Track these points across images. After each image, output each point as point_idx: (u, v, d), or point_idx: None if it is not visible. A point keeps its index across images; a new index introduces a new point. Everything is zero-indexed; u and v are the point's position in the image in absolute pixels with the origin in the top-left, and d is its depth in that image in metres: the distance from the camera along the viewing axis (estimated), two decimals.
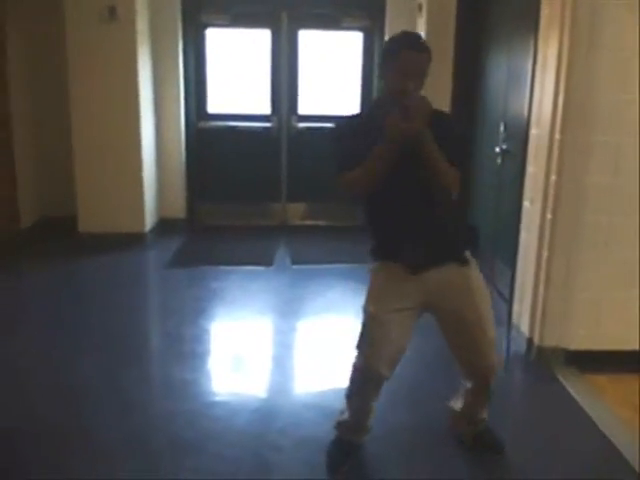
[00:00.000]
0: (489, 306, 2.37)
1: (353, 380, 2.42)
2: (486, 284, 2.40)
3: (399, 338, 2.28)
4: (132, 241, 5.31)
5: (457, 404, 2.62)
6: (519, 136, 3.72)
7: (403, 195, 2.17)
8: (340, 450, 2.51)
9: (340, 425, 2.54)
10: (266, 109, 6.01)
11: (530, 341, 3.47)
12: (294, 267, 5.09)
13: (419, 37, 2.22)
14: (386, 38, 5.75)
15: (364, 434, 2.55)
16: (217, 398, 3.13)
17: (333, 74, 6.03)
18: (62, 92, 5.19)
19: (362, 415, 2.48)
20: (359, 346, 2.34)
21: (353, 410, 2.47)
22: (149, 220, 5.53)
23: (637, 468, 2.55)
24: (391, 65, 2.11)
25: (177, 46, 5.65)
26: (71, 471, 2.48)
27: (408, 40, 2.14)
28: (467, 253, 2.32)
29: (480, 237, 2.37)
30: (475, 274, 2.34)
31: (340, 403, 2.92)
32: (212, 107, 6.03)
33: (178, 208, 5.94)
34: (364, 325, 2.33)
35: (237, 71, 5.98)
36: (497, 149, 4.32)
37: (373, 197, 2.23)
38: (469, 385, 2.51)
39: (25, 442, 2.65)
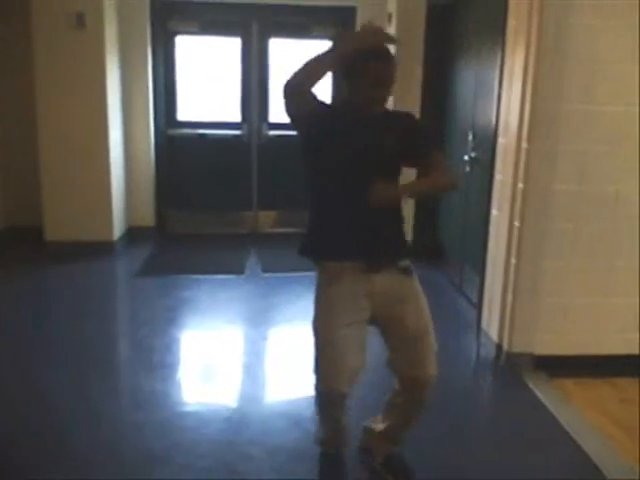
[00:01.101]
0: (430, 319, 2.32)
1: (319, 403, 2.38)
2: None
3: (356, 354, 2.23)
4: (100, 250, 5.24)
5: (378, 424, 2.54)
6: (487, 145, 3.78)
7: (359, 192, 2.12)
8: (328, 463, 2.45)
9: (320, 441, 2.49)
10: (236, 117, 6.00)
11: (499, 347, 3.51)
12: (265, 275, 5.08)
13: (387, 49, 2.19)
14: None
15: (347, 444, 2.49)
16: (187, 408, 3.10)
17: None
18: (28, 100, 5.11)
19: (338, 430, 2.44)
20: (316, 370, 2.28)
21: (329, 428, 2.44)
22: (117, 228, 5.46)
23: (605, 471, 2.59)
24: (360, 76, 2.12)
25: (146, 53, 5.62)
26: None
27: (378, 52, 2.13)
28: (409, 264, 2.30)
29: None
30: (418, 286, 2.33)
31: (310, 411, 2.93)
32: (182, 114, 6.00)
33: (147, 216, 5.88)
34: (317, 347, 2.27)
35: (207, 79, 5.96)
36: (466, 157, 4.38)
37: (327, 189, 2.21)
38: (400, 400, 2.43)
39: None
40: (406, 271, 2.28)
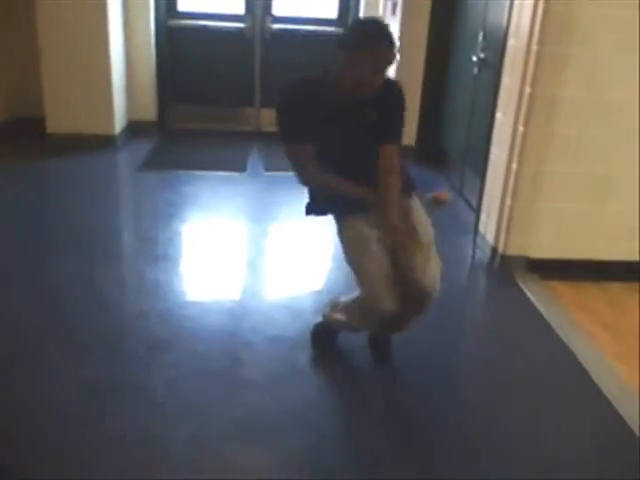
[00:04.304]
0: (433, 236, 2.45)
1: (359, 315, 2.51)
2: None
3: (385, 272, 2.34)
4: (102, 143, 5.20)
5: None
6: (497, 46, 3.68)
7: (350, 151, 2.26)
8: (325, 334, 2.71)
9: (330, 319, 2.64)
10: (240, 9, 5.80)
11: (494, 249, 3.59)
12: (267, 174, 5.08)
13: (389, 32, 2.17)
14: None
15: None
16: (190, 298, 3.21)
17: None
18: None
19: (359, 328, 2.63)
20: (361, 288, 2.41)
21: (352, 326, 2.59)
22: (119, 122, 5.40)
23: (587, 367, 2.73)
24: (359, 53, 2.11)
25: None
26: (45, 364, 2.56)
27: (381, 35, 2.13)
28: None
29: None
30: (420, 205, 2.45)
31: (311, 304, 3.04)
32: (183, 4, 5.79)
33: (149, 110, 5.80)
34: (357, 273, 2.39)
35: None
36: (474, 58, 4.28)
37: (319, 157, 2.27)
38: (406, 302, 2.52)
39: (2, 341, 2.72)
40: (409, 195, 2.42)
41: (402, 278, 2.41)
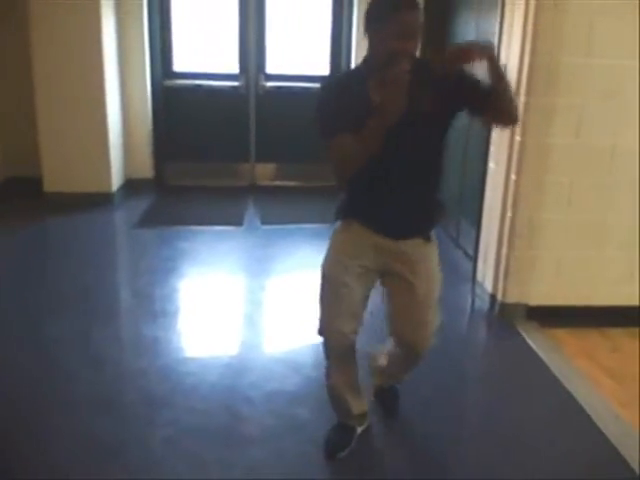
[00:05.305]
0: (438, 290, 2.28)
1: (325, 354, 2.31)
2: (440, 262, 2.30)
3: (357, 297, 2.19)
4: (99, 201, 5.25)
5: (381, 358, 2.57)
6: None
7: (396, 163, 2.05)
8: (337, 435, 2.44)
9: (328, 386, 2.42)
10: (234, 68, 5.94)
11: (493, 297, 3.58)
12: (264, 227, 5.11)
13: None
14: None
15: (358, 418, 2.45)
16: (188, 354, 3.18)
17: (302, 32, 5.96)
18: (25, 52, 5.05)
19: (343, 394, 2.37)
20: (320, 310, 2.24)
21: (333, 370, 2.34)
22: (116, 180, 5.47)
23: (593, 415, 2.69)
24: (381, 26, 1.92)
25: (141, 2, 5.51)
26: (46, 426, 2.51)
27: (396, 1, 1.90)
28: (432, 231, 2.25)
29: (445, 215, 2.23)
30: (435, 254, 2.26)
31: (309, 358, 3.01)
32: (178, 65, 5.93)
33: (145, 168, 5.87)
34: (322, 286, 2.23)
35: (204, 28, 5.87)
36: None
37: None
38: (399, 351, 2.44)
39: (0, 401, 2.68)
40: (427, 238, 2.22)
41: (398, 338, 2.36)
